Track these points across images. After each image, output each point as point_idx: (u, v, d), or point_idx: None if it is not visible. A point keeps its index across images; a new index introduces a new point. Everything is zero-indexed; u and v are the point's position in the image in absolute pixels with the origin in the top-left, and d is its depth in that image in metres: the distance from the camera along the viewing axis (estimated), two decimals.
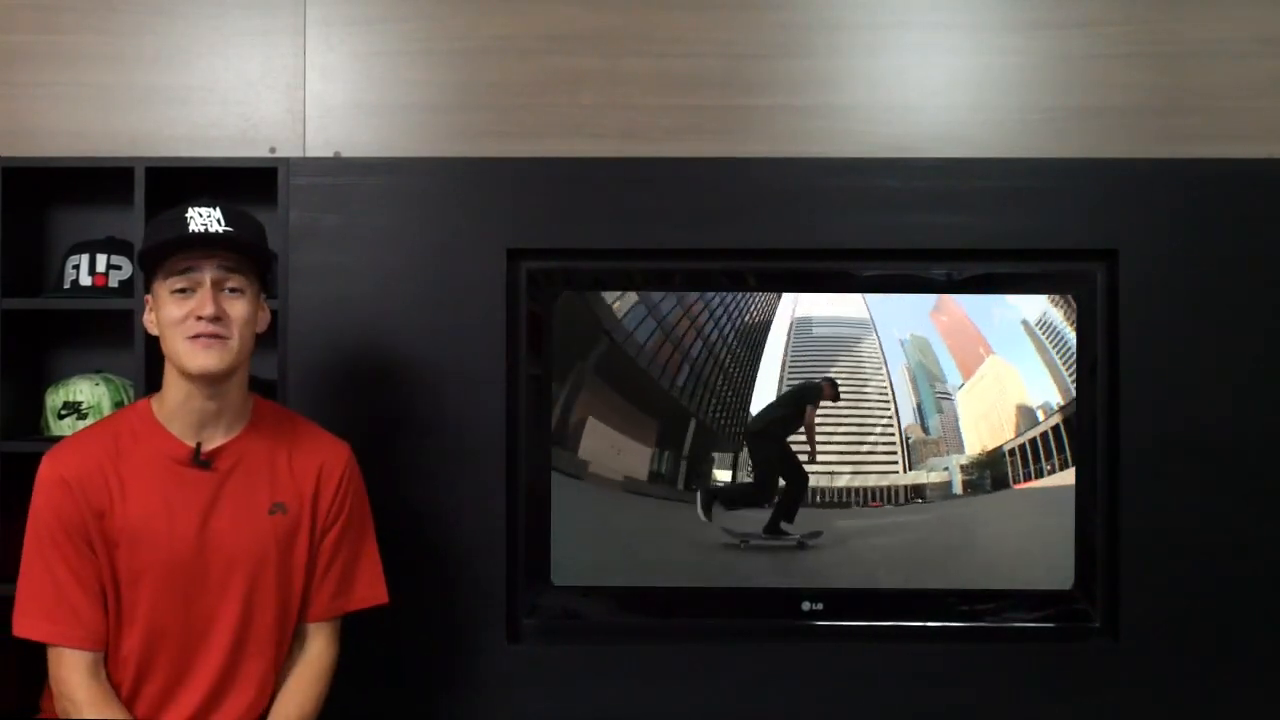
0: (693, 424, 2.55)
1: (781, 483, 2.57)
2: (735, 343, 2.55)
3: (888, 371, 2.54)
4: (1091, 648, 2.55)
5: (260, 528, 2.04)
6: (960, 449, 2.56)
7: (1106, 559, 2.55)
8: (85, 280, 2.55)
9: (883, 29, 2.60)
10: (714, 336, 2.56)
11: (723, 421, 2.55)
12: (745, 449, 2.56)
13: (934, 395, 2.55)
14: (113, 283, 2.55)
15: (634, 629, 2.59)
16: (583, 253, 2.56)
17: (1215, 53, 2.58)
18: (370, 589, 2.17)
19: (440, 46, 2.59)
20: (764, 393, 2.55)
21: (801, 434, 2.56)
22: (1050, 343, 2.53)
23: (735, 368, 2.54)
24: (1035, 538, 2.57)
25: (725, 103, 2.59)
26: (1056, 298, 2.53)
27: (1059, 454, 2.54)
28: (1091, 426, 2.55)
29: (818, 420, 2.56)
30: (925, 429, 2.56)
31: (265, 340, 2.31)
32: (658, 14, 2.59)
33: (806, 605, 2.55)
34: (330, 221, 2.52)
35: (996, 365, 2.55)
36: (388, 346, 2.52)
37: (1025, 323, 2.55)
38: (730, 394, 2.54)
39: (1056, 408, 2.54)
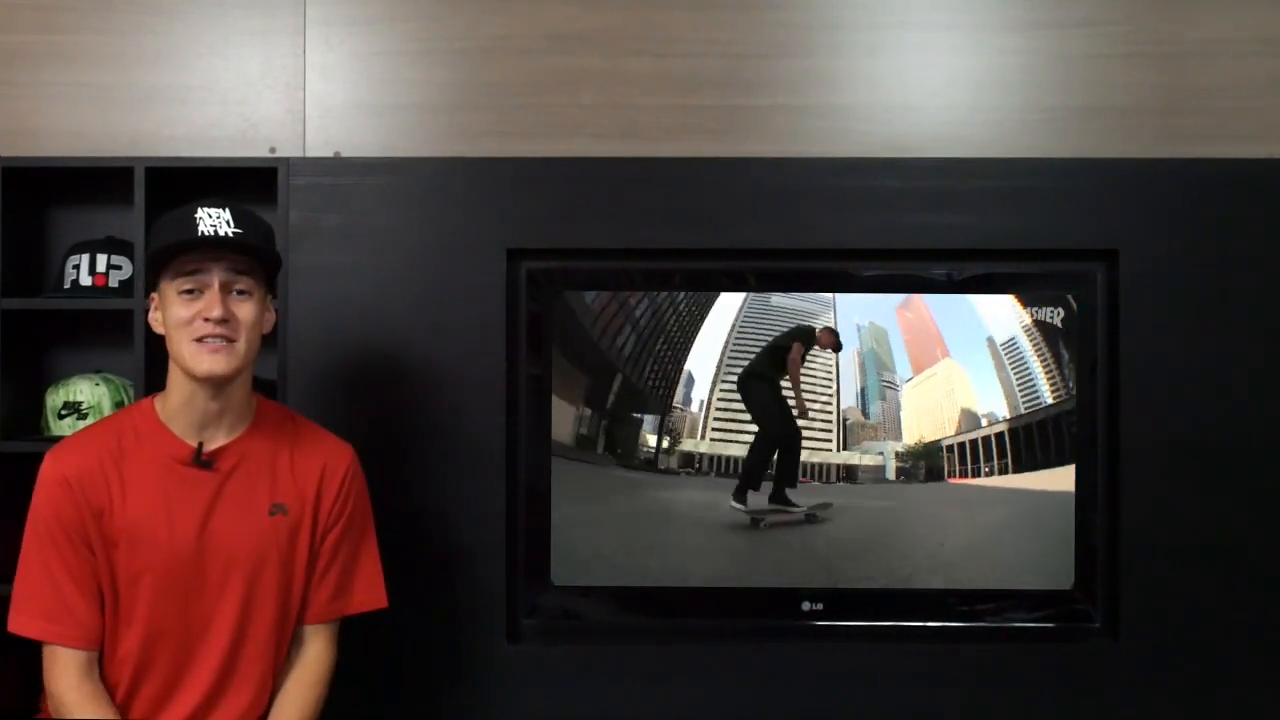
0: (618, 380, 2.57)
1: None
2: (685, 307, 2.57)
3: (837, 353, 2.57)
4: (1091, 648, 2.55)
5: (260, 528, 2.03)
6: (898, 437, 2.57)
7: (1106, 559, 2.55)
8: (85, 280, 2.55)
9: (883, 29, 2.60)
10: (662, 299, 2.58)
11: (657, 387, 2.57)
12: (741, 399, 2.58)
13: (880, 383, 2.57)
14: (113, 283, 2.55)
15: (634, 629, 2.59)
16: (583, 253, 2.56)
17: (1215, 53, 2.58)
18: (369, 593, 2.16)
19: (440, 46, 2.59)
20: (704, 358, 2.56)
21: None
22: (1011, 363, 2.56)
23: (679, 333, 2.55)
24: (1035, 538, 2.57)
25: (725, 103, 2.59)
26: (1031, 327, 2.55)
27: (999, 459, 2.56)
28: (1091, 426, 2.55)
29: (805, 369, 2.57)
30: (865, 413, 2.58)
31: (265, 340, 2.31)
32: (658, 14, 2.59)
33: (806, 605, 2.55)
34: (330, 221, 2.52)
35: (950, 367, 2.57)
36: (388, 346, 2.52)
37: (990, 339, 2.56)
38: (670, 357, 2.55)
39: (1002, 419, 2.56)
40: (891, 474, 2.57)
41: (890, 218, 2.53)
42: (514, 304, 2.54)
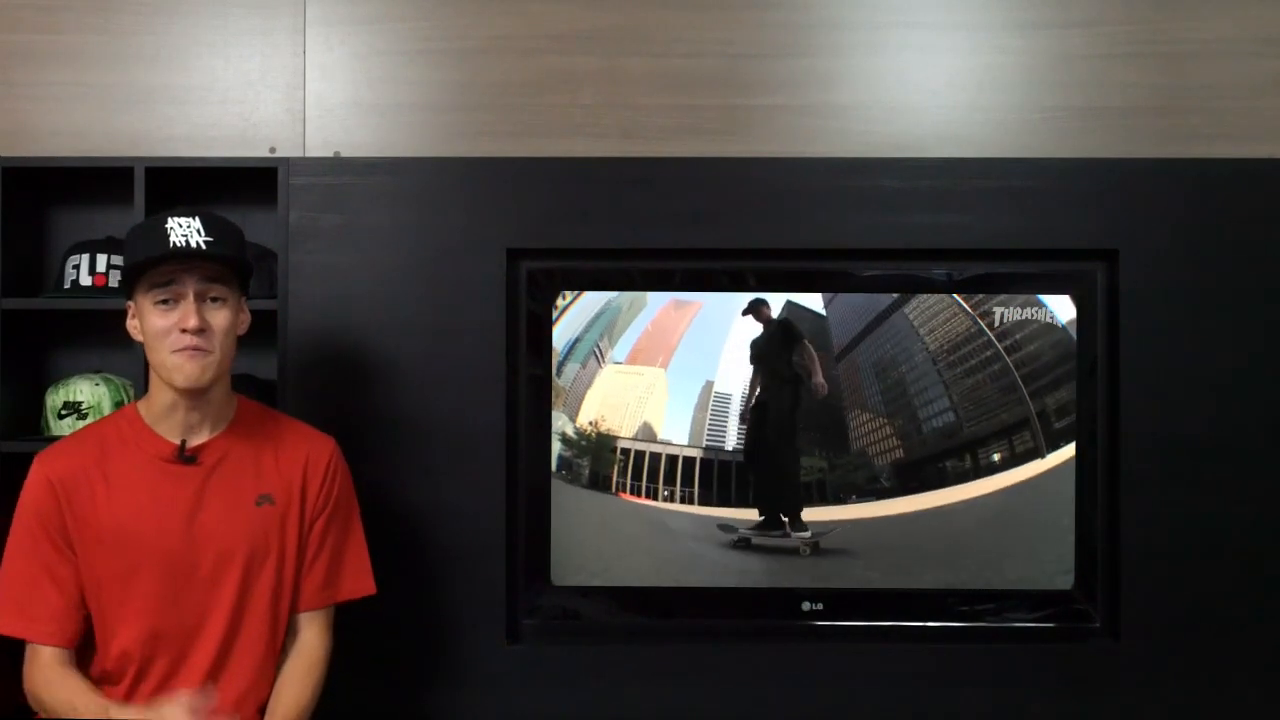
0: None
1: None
2: None
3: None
4: (1091, 648, 2.55)
5: (248, 520, 2.06)
6: (574, 415, 2.55)
7: (1106, 559, 2.55)
8: (85, 280, 2.55)
9: (883, 29, 2.60)
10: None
11: None
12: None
13: (592, 347, 2.55)
14: (113, 283, 2.55)
15: (634, 629, 2.59)
16: (583, 253, 2.56)
17: (1215, 53, 2.58)
18: (358, 579, 2.18)
19: (440, 46, 2.59)
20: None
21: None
22: (713, 411, 2.56)
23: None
24: (1035, 538, 2.57)
25: (725, 103, 2.59)
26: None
27: (647, 480, 2.57)
28: (1091, 427, 2.55)
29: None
30: (558, 373, 2.56)
31: (265, 340, 2.32)
32: (658, 14, 2.59)
33: (806, 605, 2.55)
34: (330, 221, 2.52)
35: (657, 377, 2.56)
36: (387, 346, 2.52)
37: (710, 383, 2.56)
38: None
39: (678, 446, 2.57)
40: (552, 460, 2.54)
41: (890, 218, 2.53)
42: (514, 304, 2.54)
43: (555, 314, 2.51)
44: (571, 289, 2.55)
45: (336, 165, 2.55)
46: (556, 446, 2.54)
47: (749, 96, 2.59)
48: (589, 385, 2.54)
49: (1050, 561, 2.55)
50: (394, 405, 2.51)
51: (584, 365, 2.54)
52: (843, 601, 2.56)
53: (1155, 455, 2.51)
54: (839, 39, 2.60)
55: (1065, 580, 2.55)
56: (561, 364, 2.54)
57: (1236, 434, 2.51)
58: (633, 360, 2.54)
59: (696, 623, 2.58)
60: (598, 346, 2.54)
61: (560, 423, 2.54)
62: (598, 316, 2.54)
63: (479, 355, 2.51)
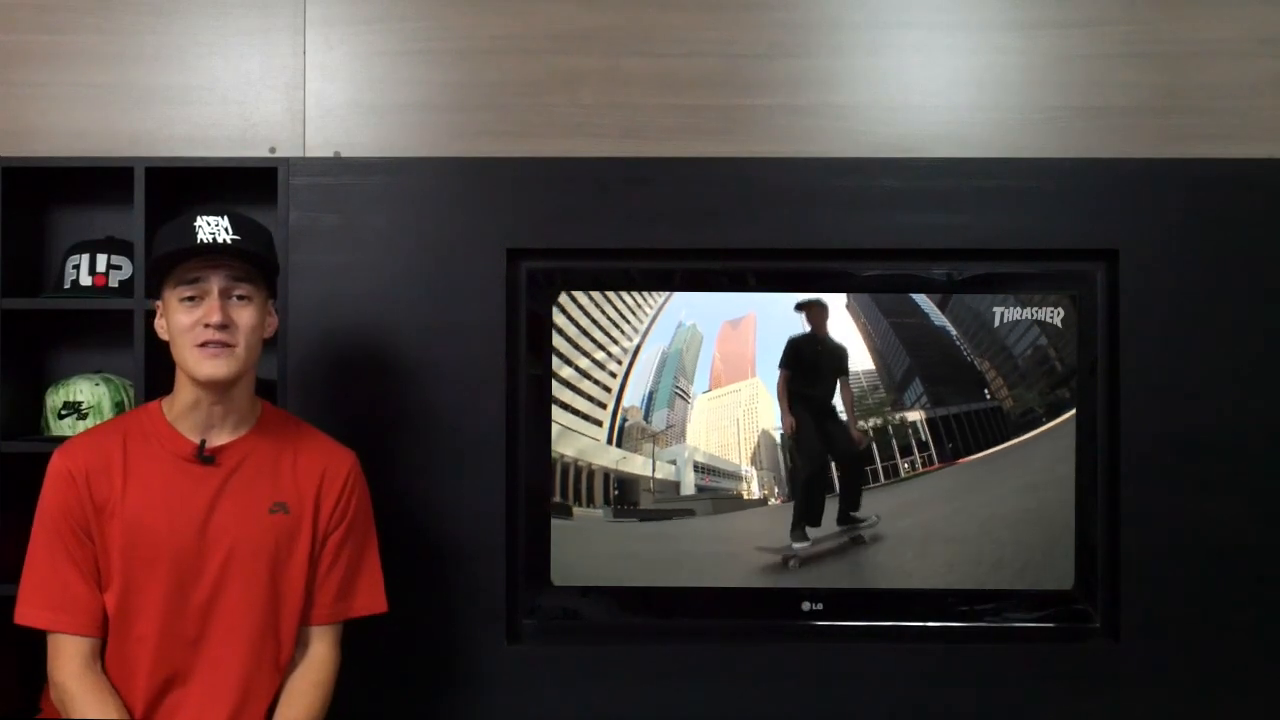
0: None
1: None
2: None
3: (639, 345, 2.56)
4: (1091, 648, 2.55)
5: (260, 525, 2.06)
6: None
7: (1106, 559, 2.55)
8: (85, 280, 2.55)
9: (883, 29, 2.60)
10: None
11: None
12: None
13: (672, 389, 2.55)
14: (113, 283, 2.55)
15: (634, 629, 2.59)
16: (583, 253, 2.56)
17: (1215, 53, 2.58)
18: (370, 597, 2.19)
19: (440, 46, 2.59)
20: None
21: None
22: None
23: None
24: (1035, 538, 2.57)
25: (725, 103, 2.59)
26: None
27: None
28: (1091, 426, 2.55)
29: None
30: (646, 418, 2.57)
31: (267, 343, 2.31)
32: (658, 14, 2.59)
33: (806, 605, 2.55)
34: (330, 221, 2.52)
35: (754, 386, 2.56)
36: (388, 346, 2.52)
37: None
38: None
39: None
40: (690, 487, 2.54)
41: (890, 218, 2.53)
42: (514, 304, 2.54)
43: (621, 376, 2.54)
44: (571, 289, 2.55)
45: (336, 165, 2.55)
46: (692, 477, 2.54)
47: (749, 96, 2.59)
48: (687, 420, 2.55)
49: (1050, 561, 2.55)
50: (394, 405, 2.51)
51: (671, 408, 2.55)
52: (843, 601, 2.56)
53: (1155, 455, 2.51)
54: (839, 39, 2.60)
55: (1065, 580, 2.55)
56: (647, 415, 2.55)
57: (1236, 434, 2.52)
58: (717, 385, 2.56)
59: (696, 623, 2.59)
60: (677, 388, 2.55)
61: (686, 454, 2.55)
62: (663, 365, 2.55)
63: (479, 355, 2.51)
